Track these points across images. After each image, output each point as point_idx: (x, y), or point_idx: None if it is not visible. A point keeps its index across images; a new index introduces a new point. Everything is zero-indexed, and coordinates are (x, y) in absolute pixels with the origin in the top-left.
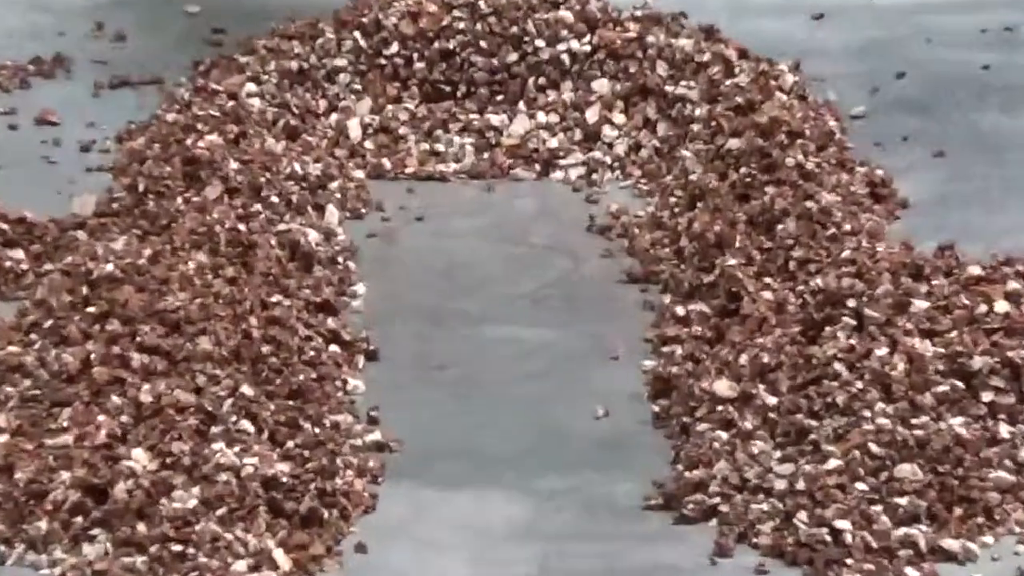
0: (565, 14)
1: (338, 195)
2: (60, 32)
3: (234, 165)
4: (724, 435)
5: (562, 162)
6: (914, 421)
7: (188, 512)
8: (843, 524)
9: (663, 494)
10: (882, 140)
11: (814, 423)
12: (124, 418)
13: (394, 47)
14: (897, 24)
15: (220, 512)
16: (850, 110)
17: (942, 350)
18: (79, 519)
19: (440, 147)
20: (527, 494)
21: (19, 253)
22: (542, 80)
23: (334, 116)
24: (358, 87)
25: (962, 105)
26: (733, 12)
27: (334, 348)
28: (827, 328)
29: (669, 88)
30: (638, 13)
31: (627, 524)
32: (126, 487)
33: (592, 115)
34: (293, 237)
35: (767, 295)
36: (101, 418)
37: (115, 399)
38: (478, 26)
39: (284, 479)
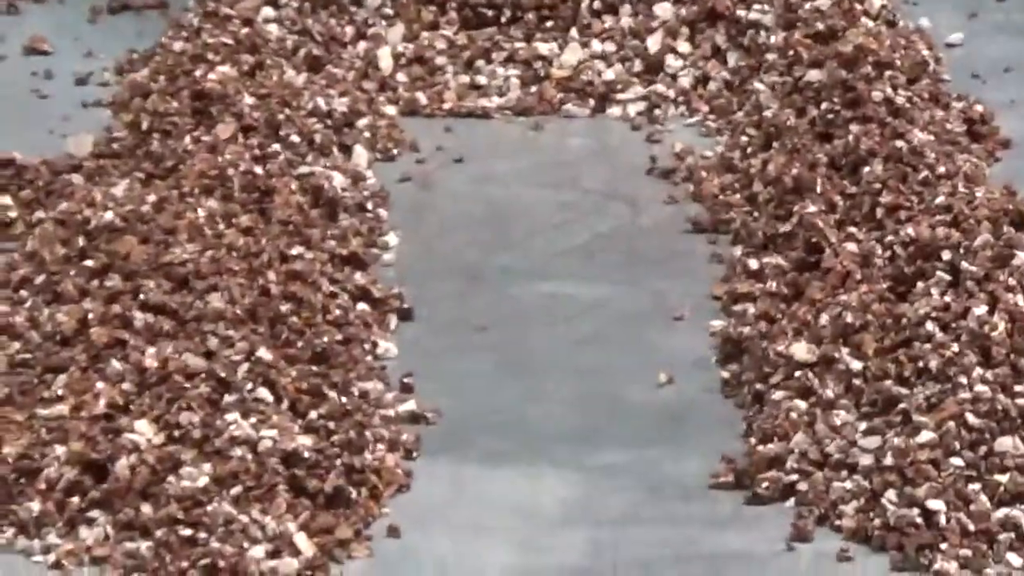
0: None
1: (367, 134)
2: None
3: (249, 100)
4: (802, 404)
5: (620, 96)
6: (1017, 388)
7: (198, 491)
8: (936, 504)
9: (734, 471)
10: (981, 71)
11: (904, 391)
12: (126, 385)
13: None
14: None
15: (234, 491)
16: (946, 37)
17: None
18: (75, 499)
19: (482, 79)
20: (580, 472)
21: (6, 199)
22: (597, 4)
23: (362, 44)
24: (389, 12)
25: None
26: None
27: (363, 306)
28: (919, 284)
29: (741, 13)
30: None
31: (693, 505)
32: (128, 463)
33: (654, 43)
34: (316, 181)
35: (851, 246)
36: (100, 385)
37: (116, 364)
38: None
39: (306, 454)
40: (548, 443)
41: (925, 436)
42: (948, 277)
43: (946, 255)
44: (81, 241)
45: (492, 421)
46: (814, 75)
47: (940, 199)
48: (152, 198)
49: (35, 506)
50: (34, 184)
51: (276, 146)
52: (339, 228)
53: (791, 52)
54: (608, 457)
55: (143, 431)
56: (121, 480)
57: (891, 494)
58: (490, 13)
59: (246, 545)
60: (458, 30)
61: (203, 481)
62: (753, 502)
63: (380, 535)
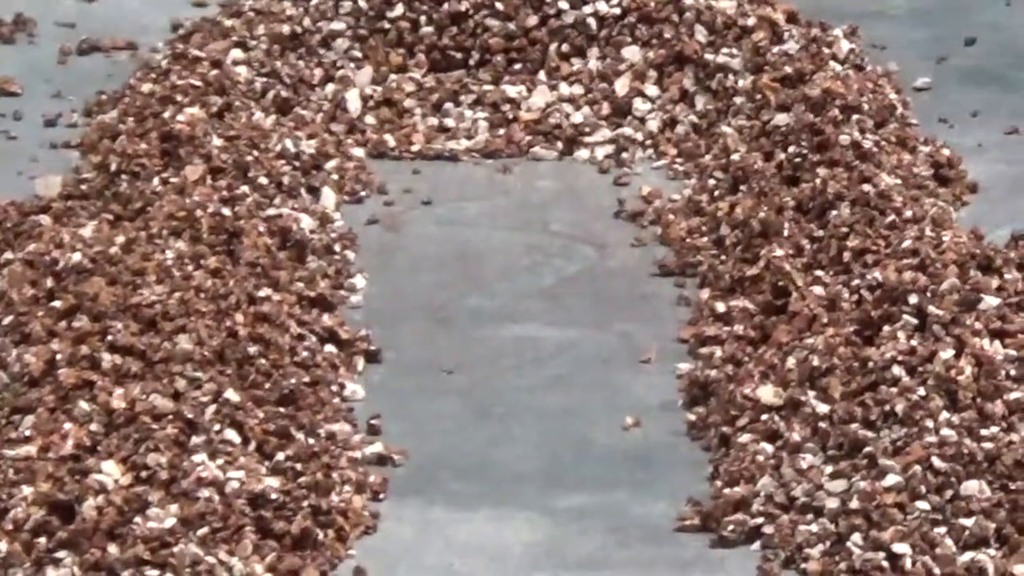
0: None
1: (335, 176)
2: None
3: (218, 142)
4: (769, 447)
5: (588, 139)
6: (983, 432)
7: (165, 532)
8: (902, 548)
9: (699, 513)
10: (949, 116)
11: (870, 434)
12: (94, 426)
13: (398, 9)
14: None
15: (201, 532)
16: (913, 81)
17: (1014, 352)
18: (43, 540)
19: (450, 122)
20: (547, 514)
21: None
22: (565, 47)
23: (330, 87)
24: (358, 54)
25: None
26: None
27: (330, 348)
28: (885, 327)
29: (709, 56)
30: None
31: (660, 548)
32: (95, 504)
33: (621, 86)
34: (284, 223)
35: (818, 290)
36: (68, 426)
37: (83, 405)
38: None
39: (273, 495)
40: (515, 485)
41: (891, 480)
42: (915, 321)
43: (913, 299)
44: (49, 282)
45: (459, 463)
46: (781, 119)
47: (907, 243)
48: (120, 239)
49: (2, 546)
50: (2, 225)
51: (244, 188)
52: (307, 270)
53: (759, 96)
54: (575, 500)
55: (110, 472)
56: (88, 521)
57: (857, 537)
58: (458, 56)
59: None
60: (426, 73)
61: (170, 522)
62: (719, 545)
63: None
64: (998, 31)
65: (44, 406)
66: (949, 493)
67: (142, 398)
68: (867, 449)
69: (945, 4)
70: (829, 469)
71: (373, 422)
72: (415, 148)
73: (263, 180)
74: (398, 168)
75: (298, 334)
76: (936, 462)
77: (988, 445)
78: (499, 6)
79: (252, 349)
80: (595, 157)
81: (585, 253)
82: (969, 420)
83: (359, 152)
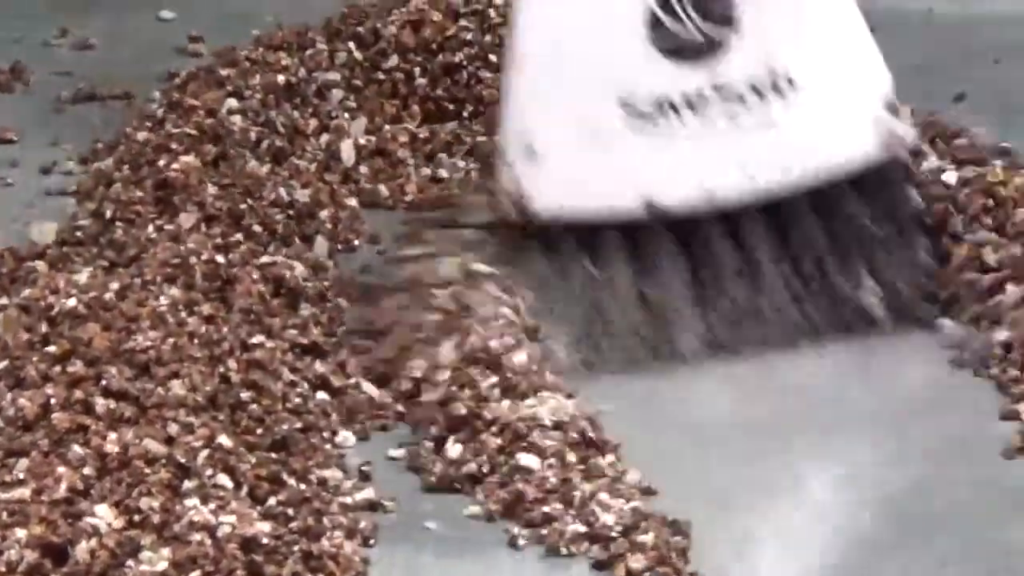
0: None
1: (328, 225)
2: (17, 39)
3: (212, 190)
4: None
5: None
6: None
7: (157, 575)
8: None
9: None
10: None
11: None
12: (87, 470)
13: (393, 60)
14: (958, 38)
15: (193, 575)
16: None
17: None
18: None
19: (443, 172)
20: (541, 560)
21: None
22: None
23: (325, 136)
24: (352, 104)
25: None
26: None
27: (322, 395)
28: None
29: None
30: None
31: None
32: (88, 547)
33: None
34: (278, 271)
35: None
36: (61, 470)
37: (77, 449)
38: (487, 37)
39: (265, 540)
40: (507, 531)
41: None
42: None
43: None
44: (44, 327)
45: (449, 510)
46: None
47: None
48: (115, 285)
49: None
50: None
51: (238, 236)
52: (300, 318)
53: None
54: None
55: (103, 515)
56: (81, 563)
57: None
58: (452, 107)
59: None
60: (420, 123)
61: (162, 565)
62: None
63: None
64: (988, 87)
65: (38, 450)
66: None
67: (135, 442)
68: None
69: (933, 59)
70: None
71: (364, 468)
72: (408, 198)
73: (257, 228)
74: (391, 218)
75: (290, 381)
76: None
77: None
78: (492, 58)
79: (245, 395)
80: None
81: None
82: None
83: (352, 202)
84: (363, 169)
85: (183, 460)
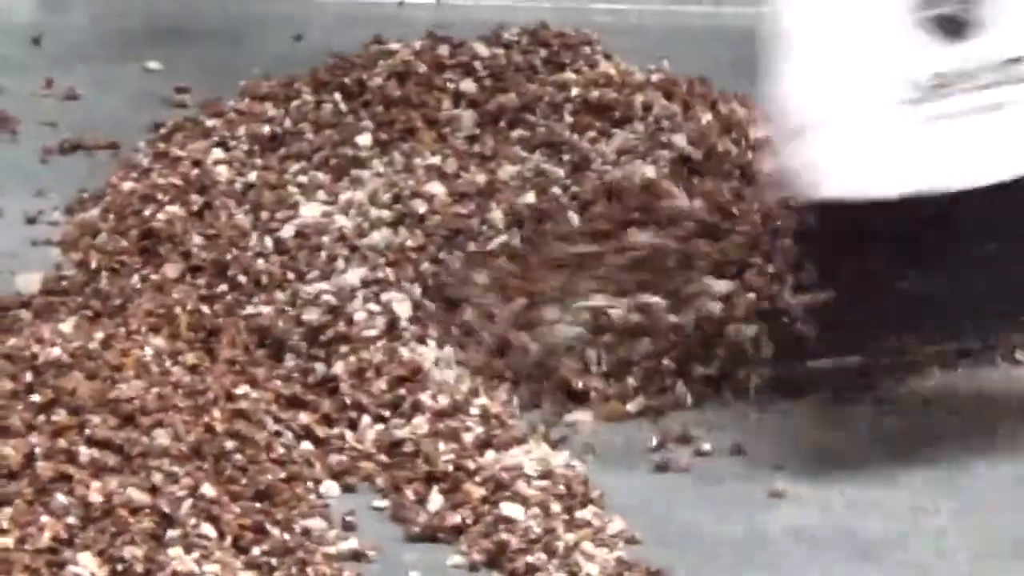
0: (571, 76)
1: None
2: (2, 89)
3: (197, 240)
4: None
5: None
6: None
7: None
8: None
9: None
10: None
11: None
12: (71, 519)
13: (379, 110)
14: None
15: None
16: None
17: None
18: None
19: None
20: None
21: None
22: None
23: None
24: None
25: None
26: None
27: (307, 446)
28: None
29: None
30: (654, 77)
31: None
32: None
33: None
34: (262, 322)
35: None
36: (45, 519)
37: (61, 498)
38: (473, 87)
39: None
40: None
41: None
42: None
43: None
44: (29, 376)
45: (433, 560)
46: None
47: None
48: (99, 335)
49: None
50: None
51: (223, 286)
52: (284, 368)
53: None
54: None
55: (87, 564)
56: None
57: None
58: None
59: None
60: None
61: None
62: None
63: None
64: None
65: (22, 498)
66: None
67: (119, 491)
68: None
69: None
70: None
71: (348, 518)
72: None
73: (242, 279)
74: None
75: (275, 431)
76: None
77: None
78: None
79: (229, 444)
80: None
81: None
82: None
83: None
84: None
85: (167, 509)
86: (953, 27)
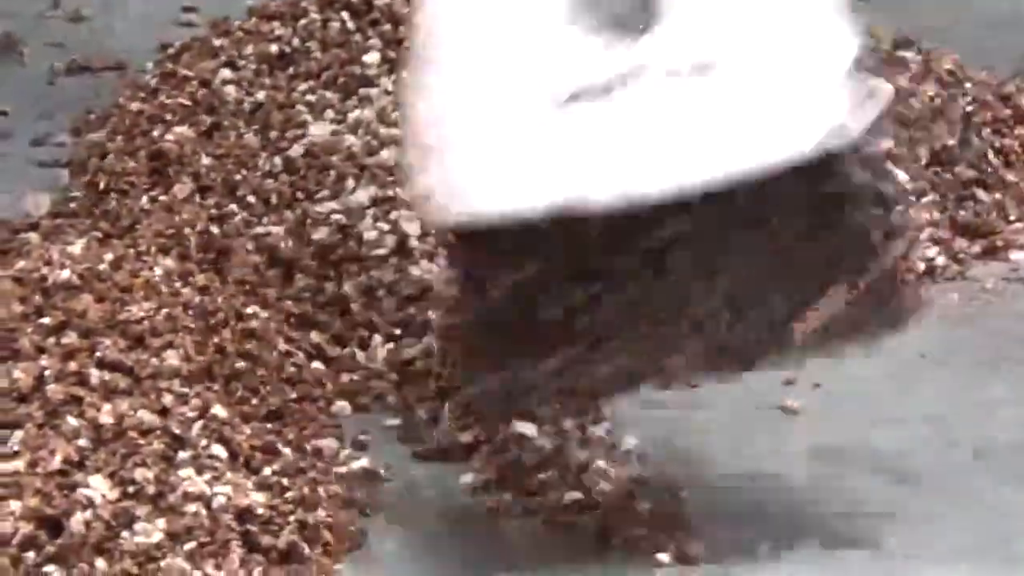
0: None
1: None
2: (9, 11)
3: (206, 160)
4: None
5: None
6: None
7: (152, 547)
8: None
9: None
10: None
11: None
12: (82, 442)
13: (387, 28)
14: None
15: (188, 547)
16: None
17: None
18: (31, 554)
19: None
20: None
21: None
22: None
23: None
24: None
25: None
26: None
27: (317, 365)
28: None
29: None
30: None
31: None
32: (83, 518)
33: None
34: (272, 241)
35: None
36: (56, 442)
37: (71, 420)
38: None
39: (260, 510)
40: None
41: None
42: None
43: None
44: (38, 299)
45: (445, 479)
46: None
47: None
48: (109, 257)
49: None
50: None
51: (233, 206)
52: (294, 288)
53: None
54: None
55: (98, 487)
56: (76, 535)
57: None
58: None
59: None
60: None
61: (157, 537)
62: None
63: None
64: None
65: (33, 421)
66: None
67: (130, 414)
68: None
69: None
70: None
71: (360, 438)
72: None
73: (251, 199)
74: None
75: (285, 351)
76: None
77: None
78: None
79: (240, 365)
80: None
81: None
82: None
83: None
84: None
85: (177, 431)
86: (625, 27)
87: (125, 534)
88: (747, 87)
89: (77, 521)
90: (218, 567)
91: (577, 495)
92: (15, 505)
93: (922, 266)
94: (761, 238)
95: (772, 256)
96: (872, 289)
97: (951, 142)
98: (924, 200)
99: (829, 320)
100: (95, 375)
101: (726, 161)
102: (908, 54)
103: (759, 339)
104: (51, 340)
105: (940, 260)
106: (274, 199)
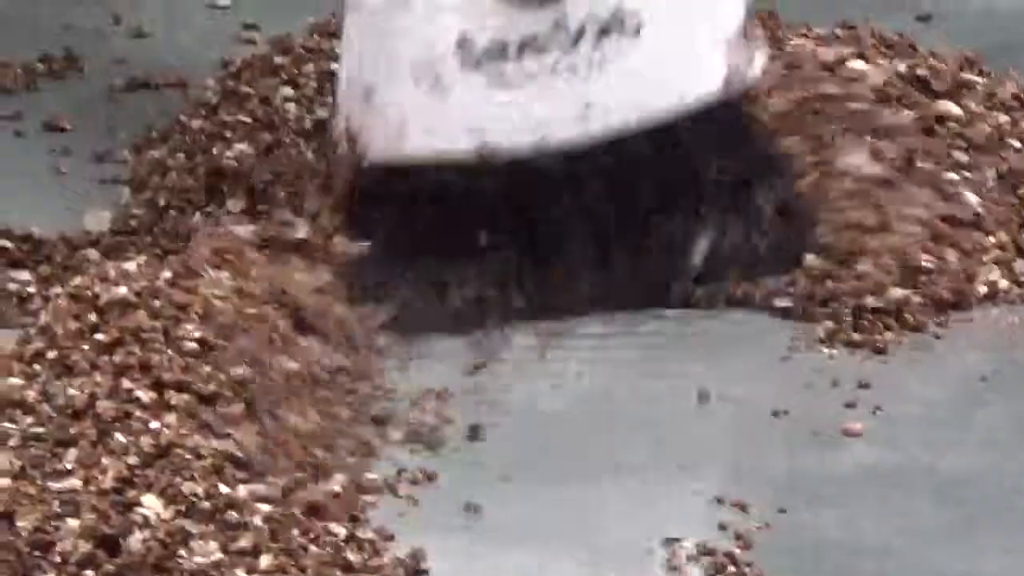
0: None
1: None
2: (70, 26)
3: (266, 178)
4: None
5: None
6: None
7: (211, 566)
8: None
9: None
10: None
11: None
12: (132, 459)
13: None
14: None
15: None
16: None
17: None
18: (90, 572)
19: None
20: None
21: (25, 275)
22: None
23: None
24: None
25: None
26: None
27: None
28: None
29: None
30: None
31: None
32: (141, 537)
33: None
34: None
35: None
36: (107, 459)
37: (121, 438)
38: None
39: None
40: None
41: None
42: None
43: None
44: (93, 316)
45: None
46: None
47: None
48: (166, 275)
49: None
50: (51, 260)
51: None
52: None
53: None
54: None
55: (151, 505)
56: (135, 554)
57: None
58: None
59: None
60: None
61: (216, 556)
62: None
63: None
64: None
65: (86, 439)
66: None
67: (183, 432)
68: None
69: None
70: None
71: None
72: None
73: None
74: None
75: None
76: None
77: None
78: None
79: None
80: None
81: None
82: None
83: None
84: None
85: (235, 451)
86: None
87: (183, 553)
88: (653, 42)
89: (136, 540)
90: None
91: None
92: (73, 523)
93: (984, 289)
94: (668, 171)
95: (676, 188)
96: (767, 219)
97: (1017, 166)
98: (988, 223)
99: (729, 249)
100: (146, 393)
101: (641, 106)
102: (973, 76)
103: (660, 268)
104: (104, 357)
105: (1003, 283)
106: None
